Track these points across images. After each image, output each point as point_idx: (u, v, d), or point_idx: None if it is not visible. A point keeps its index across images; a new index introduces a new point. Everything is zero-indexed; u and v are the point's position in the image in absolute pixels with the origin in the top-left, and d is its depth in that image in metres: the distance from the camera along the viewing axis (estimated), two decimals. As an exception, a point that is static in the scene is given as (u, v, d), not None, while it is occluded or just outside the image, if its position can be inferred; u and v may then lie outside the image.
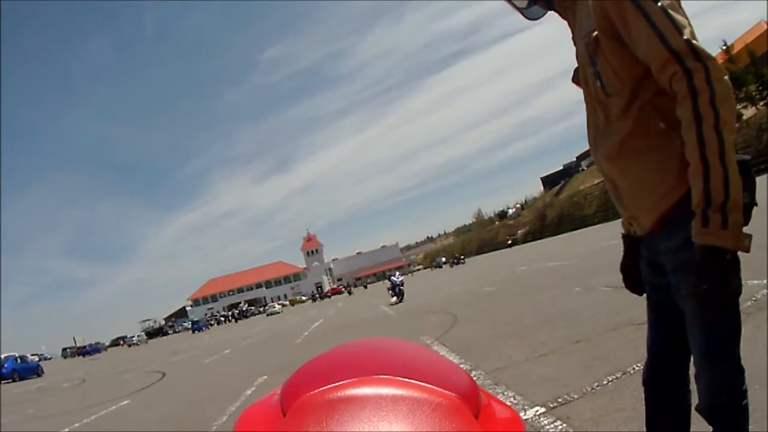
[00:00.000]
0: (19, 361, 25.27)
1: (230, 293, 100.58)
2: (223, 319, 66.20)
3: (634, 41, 1.09)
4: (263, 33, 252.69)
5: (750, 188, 1.08)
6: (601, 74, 1.17)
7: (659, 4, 1.04)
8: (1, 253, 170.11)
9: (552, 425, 2.69)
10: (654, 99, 1.13)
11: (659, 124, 1.13)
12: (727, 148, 0.99)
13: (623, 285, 1.45)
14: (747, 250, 1.02)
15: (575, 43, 1.28)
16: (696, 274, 1.02)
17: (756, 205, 1.12)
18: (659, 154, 1.13)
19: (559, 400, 3.05)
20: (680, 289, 1.16)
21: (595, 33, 1.14)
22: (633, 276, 1.40)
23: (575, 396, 3.06)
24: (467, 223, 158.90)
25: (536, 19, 1.41)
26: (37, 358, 34.60)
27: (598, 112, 1.23)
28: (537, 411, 2.96)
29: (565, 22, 1.33)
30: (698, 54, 1.01)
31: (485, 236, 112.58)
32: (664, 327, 1.32)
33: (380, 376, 0.55)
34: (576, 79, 1.34)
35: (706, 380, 1.18)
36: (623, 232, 1.41)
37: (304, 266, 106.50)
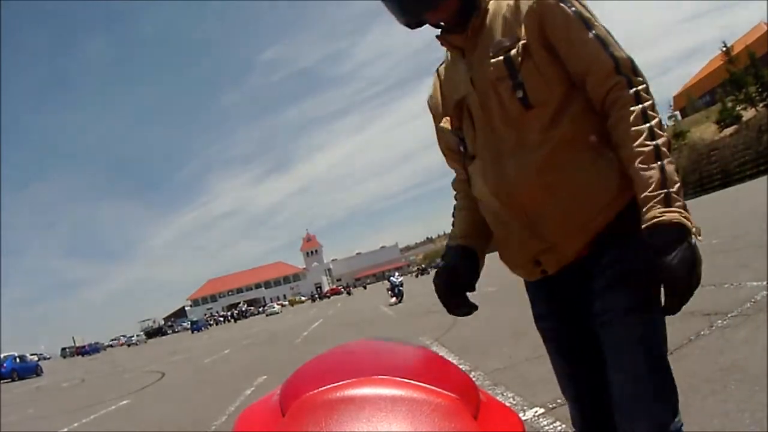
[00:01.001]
0: (18, 360, 25.34)
1: (229, 293, 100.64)
2: (222, 319, 66.25)
3: (574, 49, 1.06)
4: (262, 33, 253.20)
5: None
6: (526, 83, 1.08)
7: (602, 24, 1.08)
8: (1, 253, 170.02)
9: (551, 426, 2.69)
10: (584, 112, 1.09)
11: (592, 136, 1.08)
12: (669, 147, 1.01)
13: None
14: (699, 235, 0.97)
15: (472, 69, 1.16)
16: (662, 258, 0.93)
17: None
18: (598, 164, 1.07)
19: (559, 400, 3.04)
20: (616, 307, 1.05)
21: (524, 41, 1.08)
22: (458, 287, 1.34)
23: (575, 397, 3.05)
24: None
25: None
26: (36, 358, 34.64)
27: (503, 132, 1.12)
28: (536, 412, 2.96)
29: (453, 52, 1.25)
30: (638, 71, 1.05)
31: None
32: (591, 373, 1.17)
33: (379, 377, 0.55)
34: (458, 113, 1.21)
35: (645, 411, 1.03)
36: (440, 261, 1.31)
37: (304, 267, 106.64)
